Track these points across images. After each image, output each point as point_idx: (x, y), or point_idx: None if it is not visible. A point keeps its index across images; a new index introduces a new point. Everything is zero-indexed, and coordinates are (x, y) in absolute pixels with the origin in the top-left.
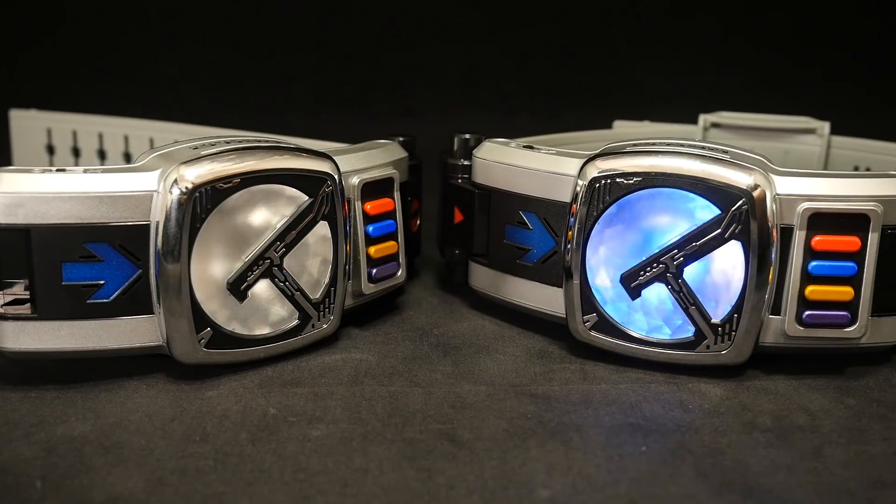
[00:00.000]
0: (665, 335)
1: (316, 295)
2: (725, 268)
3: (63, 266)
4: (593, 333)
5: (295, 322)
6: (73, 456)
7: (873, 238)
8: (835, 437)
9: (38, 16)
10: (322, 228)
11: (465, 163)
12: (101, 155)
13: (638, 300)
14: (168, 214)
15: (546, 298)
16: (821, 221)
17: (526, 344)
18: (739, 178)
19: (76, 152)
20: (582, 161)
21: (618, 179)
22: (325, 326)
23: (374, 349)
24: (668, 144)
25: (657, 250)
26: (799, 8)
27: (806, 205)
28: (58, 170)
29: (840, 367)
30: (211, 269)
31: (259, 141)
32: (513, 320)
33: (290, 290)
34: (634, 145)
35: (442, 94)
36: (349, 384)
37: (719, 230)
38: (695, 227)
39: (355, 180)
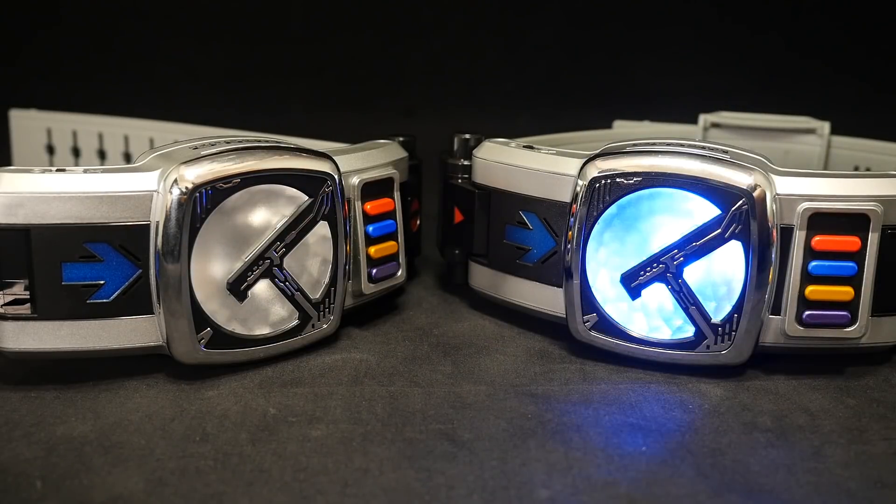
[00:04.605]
0: (665, 335)
1: (316, 295)
2: (725, 268)
3: (63, 266)
4: (593, 333)
5: (295, 322)
6: (73, 456)
7: (873, 238)
8: (835, 437)
9: (38, 15)
10: (322, 228)
11: (465, 163)
12: (101, 155)
13: (638, 300)
14: (168, 214)
15: (546, 298)
16: (821, 221)
17: (526, 344)
18: (739, 178)
19: (76, 152)
20: (582, 161)
21: (618, 179)
22: (325, 326)
23: (374, 349)
24: (669, 144)
25: (657, 250)
26: (799, 8)
27: (806, 205)
28: (58, 170)
29: (840, 367)
30: (211, 269)
31: (259, 141)
32: (513, 320)
33: (290, 290)
34: (634, 145)
35: (442, 94)
36: (349, 384)
37: (719, 230)
38: (695, 227)
39: (355, 180)
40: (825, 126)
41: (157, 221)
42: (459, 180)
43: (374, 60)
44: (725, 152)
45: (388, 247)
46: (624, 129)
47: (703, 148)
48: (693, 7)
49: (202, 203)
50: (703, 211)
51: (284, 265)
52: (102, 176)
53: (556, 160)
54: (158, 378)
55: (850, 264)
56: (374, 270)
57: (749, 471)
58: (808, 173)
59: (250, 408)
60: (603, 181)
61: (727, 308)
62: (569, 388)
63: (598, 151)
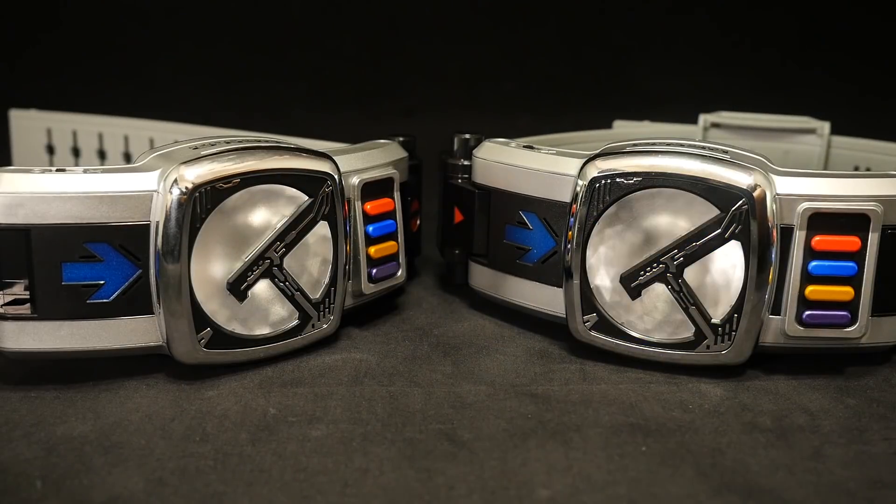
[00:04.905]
0: (665, 335)
1: (316, 295)
2: (725, 268)
3: (63, 266)
4: (593, 333)
5: (295, 322)
6: (73, 456)
7: (873, 238)
8: (835, 437)
9: (37, 16)
10: (322, 228)
11: (465, 163)
12: (101, 155)
13: (638, 300)
14: (168, 214)
15: (546, 298)
16: (821, 221)
17: (526, 344)
18: (739, 178)
19: (76, 152)
20: (582, 161)
21: (618, 179)
22: (325, 326)
23: (374, 349)
24: (669, 144)
25: (657, 250)
26: (799, 7)
27: (806, 205)
28: (58, 170)
29: (840, 367)
30: (211, 269)
31: (259, 141)
32: (513, 320)
33: (290, 290)
34: (634, 145)
35: (442, 94)
36: (349, 384)
37: (719, 230)
38: (695, 227)
39: (355, 180)
40: (825, 126)
41: (157, 221)
42: (459, 180)
43: (374, 60)
44: (725, 152)
45: (388, 247)
46: (624, 129)
47: (703, 148)
48: (693, 7)
49: (202, 203)
50: (703, 211)
51: (284, 265)
52: (102, 176)
53: (556, 160)
54: (158, 378)
55: (850, 264)
56: (374, 270)
57: (749, 471)
58: (808, 173)
59: (250, 408)
60: (603, 181)
61: (727, 308)
62: (569, 388)
63: (598, 151)
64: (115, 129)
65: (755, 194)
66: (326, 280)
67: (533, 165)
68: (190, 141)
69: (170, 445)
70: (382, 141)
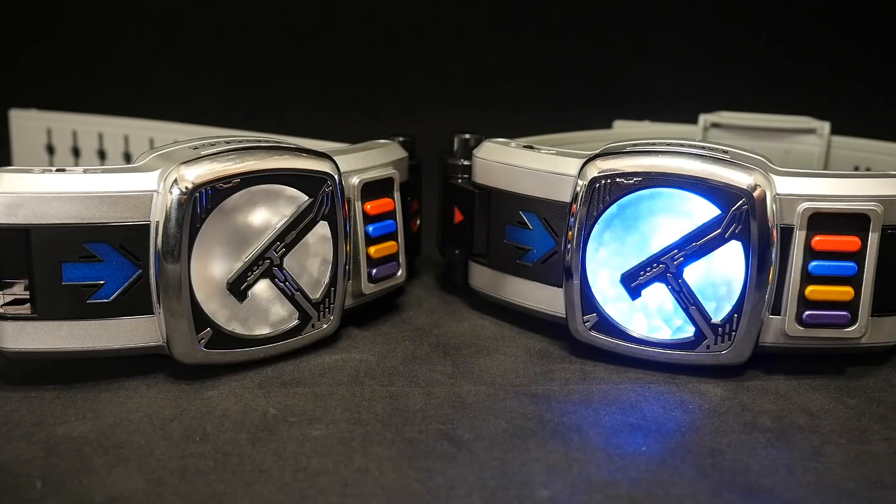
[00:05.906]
0: (665, 335)
1: (316, 295)
2: (725, 268)
3: (63, 266)
4: (593, 333)
5: (295, 322)
6: (73, 456)
7: (873, 238)
8: (835, 437)
9: (37, 15)
10: (322, 228)
11: (465, 163)
12: (101, 155)
13: (638, 300)
14: (168, 214)
15: (546, 298)
16: (821, 221)
17: (526, 344)
18: (740, 178)
19: (76, 152)
20: (582, 161)
21: (618, 179)
22: (325, 326)
23: (374, 349)
24: (669, 144)
25: (657, 250)
26: (800, 8)
27: (806, 205)
28: (58, 170)
29: (840, 367)
30: (211, 269)
31: (259, 141)
32: (513, 320)
33: (290, 290)
34: (634, 145)
35: (442, 93)
36: (349, 384)
37: (719, 230)
38: (695, 227)
39: (355, 180)
40: (825, 126)
41: (157, 221)
42: (459, 180)
43: (374, 60)
44: (725, 152)
45: (388, 247)
46: (624, 129)
47: (703, 148)
48: (693, 7)
49: (202, 203)
50: (703, 211)
51: (284, 265)
52: (102, 176)
53: (556, 160)
54: (158, 378)
55: (850, 264)
56: (374, 270)
57: (749, 471)
58: (808, 173)
59: (250, 408)
60: (603, 181)
61: (727, 308)
62: (569, 388)
63: (598, 151)
64: (115, 129)
65: (755, 194)
66: (326, 280)
67: (533, 165)
68: (190, 141)
69: (170, 445)
70: (382, 141)
